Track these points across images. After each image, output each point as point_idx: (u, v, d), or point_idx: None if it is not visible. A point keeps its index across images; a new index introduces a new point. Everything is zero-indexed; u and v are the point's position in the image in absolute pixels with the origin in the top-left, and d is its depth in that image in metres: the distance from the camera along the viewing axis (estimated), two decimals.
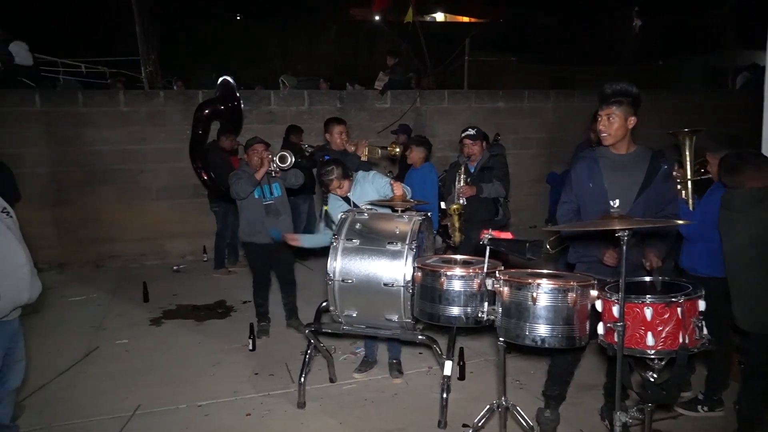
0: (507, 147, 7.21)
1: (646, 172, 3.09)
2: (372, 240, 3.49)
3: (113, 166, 7.73)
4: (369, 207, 3.85)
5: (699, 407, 3.71)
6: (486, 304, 2.96)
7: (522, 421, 3.13)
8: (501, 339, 2.91)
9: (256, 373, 4.47)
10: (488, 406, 3.18)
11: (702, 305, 2.62)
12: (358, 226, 3.58)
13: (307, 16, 21.21)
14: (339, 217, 3.74)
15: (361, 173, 4.29)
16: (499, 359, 3.07)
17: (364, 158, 4.92)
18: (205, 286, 6.78)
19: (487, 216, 5.11)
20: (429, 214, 3.84)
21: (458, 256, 3.43)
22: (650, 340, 2.54)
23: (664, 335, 2.53)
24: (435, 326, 3.35)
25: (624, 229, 2.50)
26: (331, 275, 3.47)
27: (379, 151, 5.12)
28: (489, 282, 2.92)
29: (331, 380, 4.27)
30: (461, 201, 5.06)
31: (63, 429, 3.70)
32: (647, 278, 2.94)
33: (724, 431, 3.50)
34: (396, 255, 3.39)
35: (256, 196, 5.00)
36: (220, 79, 7.55)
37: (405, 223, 3.53)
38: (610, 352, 2.68)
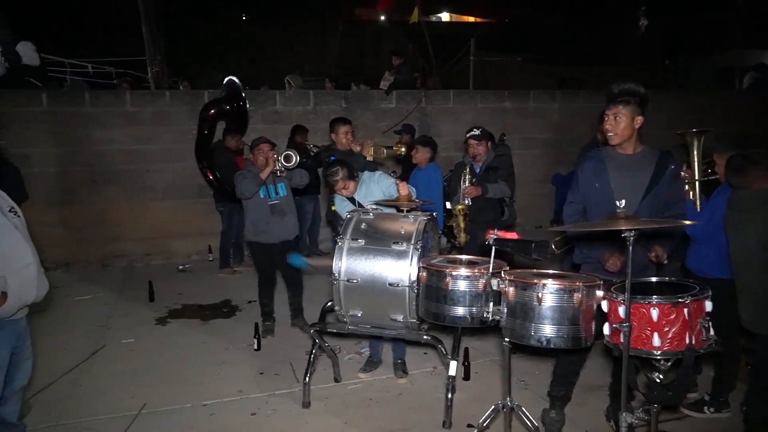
0: (512, 147, 7.23)
1: (653, 172, 3.07)
2: (377, 240, 3.49)
3: (119, 165, 7.76)
4: (374, 207, 3.86)
5: (705, 408, 3.69)
6: (491, 304, 2.95)
7: (527, 421, 3.12)
8: (506, 339, 2.91)
9: (261, 373, 4.48)
10: (493, 407, 3.17)
11: (709, 306, 2.60)
12: (363, 226, 3.58)
13: (312, 16, 21.25)
14: (345, 216, 3.75)
15: (366, 173, 4.29)
16: (504, 359, 3.07)
17: (369, 158, 4.92)
18: (210, 286, 6.80)
19: (492, 216, 5.09)
20: (434, 214, 3.83)
21: (463, 256, 3.43)
22: (656, 340, 2.53)
23: (670, 336, 2.52)
24: (440, 326, 3.35)
25: (630, 230, 2.49)
26: (336, 275, 3.48)
27: (385, 151, 5.12)
28: (494, 282, 2.91)
29: (336, 380, 4.27)
30: (466, 201, 5.05)
31: (69, 427, 3.72)
32: (653, 278, 2.93)
33: None
34: (401, 255, 3.39)
35: (262, 196, 5.01)
36: (226, 79, 7.56)
37: (410, 223, 3.53)
38: (615, 352, 2.67)
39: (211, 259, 7.85)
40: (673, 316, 2.52)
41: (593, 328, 2.77)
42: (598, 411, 3.71)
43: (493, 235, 2.96)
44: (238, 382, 4.31)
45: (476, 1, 24.71)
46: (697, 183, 3.77)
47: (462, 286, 2.97)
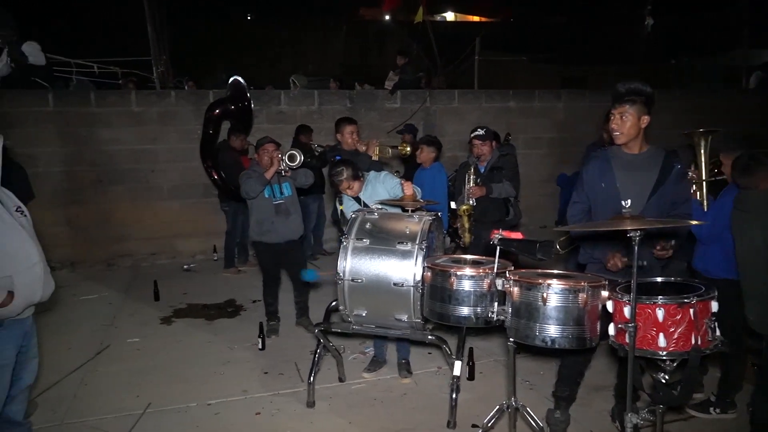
0: (517, 147, 7.19)
1: (659, 171, 3.06)
2: (382, 240, 3.49)
3: (125, 165, 7.79)
4: (379, 207, 3.86)
5: (711, 409, 3.68)
6: (496, 304, 2.95)
7: (532, 422, 3.12)
8: (511, 339, 2.90)
9: (266, 372, 4.48)
10: (498, 407, 3.17)
11: (714, 306, 2.59)
12: (368, 225, 3.58)
13: (317, 16, 21.26)
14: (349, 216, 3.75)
15: (372, 173, 4.29)
16: (508, 359, 3.06)
17: (375, 158, 4.92)
18: (215, 285, 6.82)
19: (497, 216, 5.09)
20: (439, 213, 3.83)
21: (468, 256, 3.42)
22: (662, 341, 2.52)
23: (676, 336, 2.51)
24: (444, 326, 3.34)
25: (636, 230, 2.48)
26: (341, 275, 3.48)
27: (390, 150, 5.12)
28: (499, 282, 2.91)
29: (341, 380, 4.28)
30: (471, 202, 5.05)
31: (75, 426, 3.74)
32: (659, 279, 2.92)
33: None
34: (406, 255, 3.39)
35: (267, 196, 5.02)
36: (231, 79, 7.59)
37: (415, 223, 3.53)
38: (621, 353, 2.66)
39: (215, 258, 7.87)
40: (678, 317, 2.51)
41: (598, 329, 2.76)
42: (603, 411, 3.70)
43: (497, 235, 2.96)
44: (243, 381, 4.31)
45: (481, 0, 24.67)
46: (704, 183, 3.76)
47: (467, 286, 2.96)
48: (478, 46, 10.12)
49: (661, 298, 2.55)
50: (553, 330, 2.68)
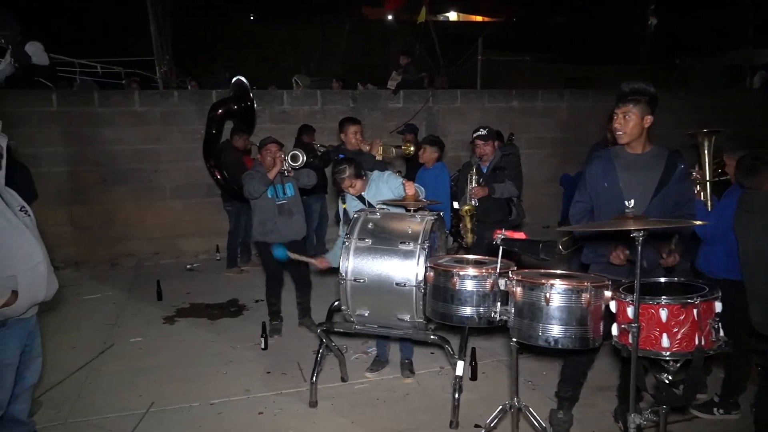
0: (520, 147, 7.20)
1: (663, 171, 3.05)
2: (384, 239, 3.48)
3: (128, 165, 7.80)
4: (382, 206, 3.85)
5: (714, 410, 3.67)
6: (499, 304, 2.95)
7: (534, 422, 3.12)
8: (513, 339, 2.90)
9: (269, 372, 4.49)
10: (500, 407, 3.17)
11: (718, 306, 2.58)
12: (370, 225, 3.58)
13: (320, 15, 21.27)
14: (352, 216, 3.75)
15: (376, 173, 4.29)
16: (511, 360, 3.06)
17: (378, 157, 4.92)
18: (218, 285, 6.83)
19: (500, 216, 5.08)
20: (441, 213, 3.83)
21: (471, 256, 3.42)
22: (665, 341, 2.51)
23: (679, 337, 2.50)
24: (447, 326, 3.34)
25: (639, 230, 2.47)
26: (343, 274, 3.48)
27: (394, 150, 5.11)
28: (502, 282, 2.90)
29: (343, 379, 4.28)
30: (473, 202, 5.04)
31: (78, 425, 3.74)
32: (662, 279, 2.91)
33: None
34: (408, 255, 3.38)
35: (269, 196, 5.02)
36: (234, 79, 7.60)
37: (417, 223, 3.52)
38: (624, 353, 2.65)
39: (218, 258, 7.88)
40: (682, 317, 2.50)
41: (601, 329, 2.75)
42: (606, 412, 3.69)
43: (500, 235, 2.96)
44: (246, 381, 4.32)
45: (484, 0, 24.66)
46: (708, 183, 3.75)
47: (469, 286, 2.96)
48: (481, 46, 10.11)
49: (664, 299, 2.54)
50: (556, 330, 2.68)
